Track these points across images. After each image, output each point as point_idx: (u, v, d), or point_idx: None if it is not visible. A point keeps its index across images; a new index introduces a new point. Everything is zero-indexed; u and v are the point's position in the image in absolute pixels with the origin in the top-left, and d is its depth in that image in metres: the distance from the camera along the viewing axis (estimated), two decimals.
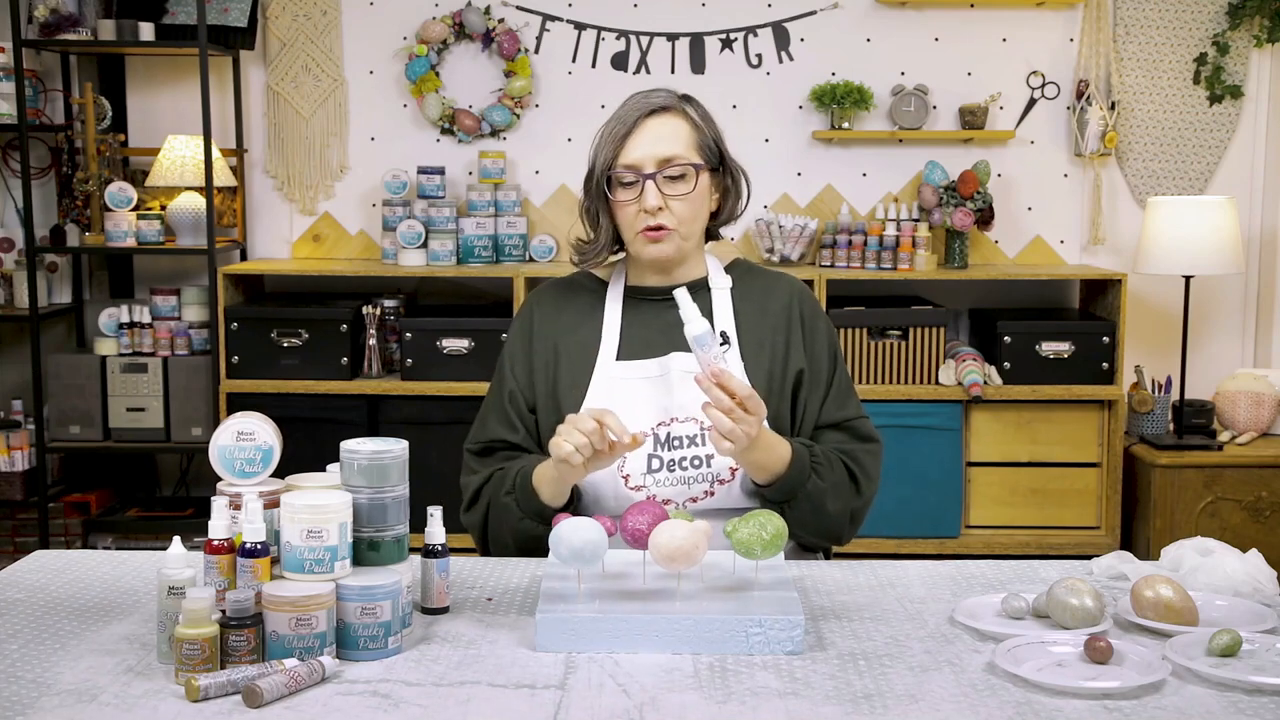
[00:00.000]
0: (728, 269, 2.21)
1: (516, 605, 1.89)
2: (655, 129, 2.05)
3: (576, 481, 2.01)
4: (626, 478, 2.07)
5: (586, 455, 1.89)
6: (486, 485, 2.14)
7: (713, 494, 2.08)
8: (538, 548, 2.06)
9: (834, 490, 2.09)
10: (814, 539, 2.16)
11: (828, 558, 2.27)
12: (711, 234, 2.22)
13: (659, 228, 2.04)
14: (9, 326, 4.51)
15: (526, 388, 2.17)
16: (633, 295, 2.17)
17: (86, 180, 4.29)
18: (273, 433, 1.78)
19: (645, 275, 2.17)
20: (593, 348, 2.14)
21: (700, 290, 2.15)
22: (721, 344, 2.10)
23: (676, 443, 2.07)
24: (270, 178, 4.57)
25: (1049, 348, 4.16)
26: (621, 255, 2.21)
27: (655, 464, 2.07)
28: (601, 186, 2.07)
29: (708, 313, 2.14)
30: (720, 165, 2.13)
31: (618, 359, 2.12)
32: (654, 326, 2.13)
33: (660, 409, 2.08)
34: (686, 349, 2.08)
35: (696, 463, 2.07)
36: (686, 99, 2.12)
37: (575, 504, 2.14)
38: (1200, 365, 4.51)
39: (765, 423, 1.98)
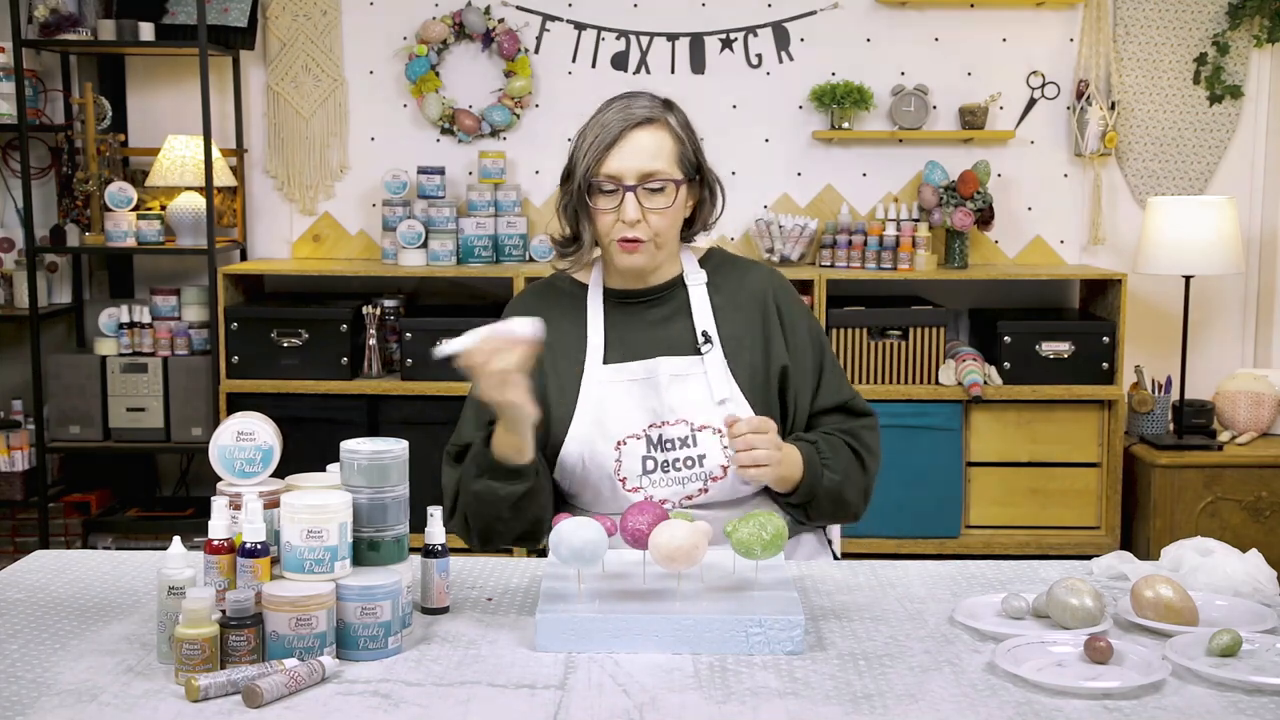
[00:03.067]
0: (703, 261, 2.22)
1: (516, 605, 1.89)
2: (639, 142, 2.06)
3: (520, 419, 1.95)
4: (624, 480, 2.09)
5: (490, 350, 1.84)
6: (459, 488, 2.13)
7: (707, 491, 2.10)
8: (531, 532, 2.08)
9: (846, 478, 2.12)
10: (836, 523, 2.23)
11: (836, 558, 2.28)
12: (687, 240, 2.22)
13: (635, 239, 2.06)
14: (9, 326, 4.51)
15: None
16: (612, 297, 2.18)
17: (86, 180, 4.29)
18: (273, 433, 1.78)
19: (622, 277, 2.18)
20: (578, 352, 2.14)
21: (677, 288, 2.17)
22: (704, 343, 2.12)
23: (669, 445, 2.09)
24: (270, 178, 4.57)
25: (1049, 348, 4.16)
26: (598, 255, 2.21)
27: (650, 465, 2.09)
28: (582, 193, 2.08)
29: (686, 310, 2.15)
30: (697, 175, 2.14)
31: (604, 363, 2.13)
32: (636, 328, 2.15)
33: (650, 411, 2.10)
34: (669, 353, 2.12)
35: (689, 463, 2.09)
36: (669, 106, 2.13)
37: (573, 505, 2.15)
38: (1200, 365, 4.51)
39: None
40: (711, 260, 2.22)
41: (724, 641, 1.70)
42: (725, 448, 2.02)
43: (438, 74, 4.47)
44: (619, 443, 2.09)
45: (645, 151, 2.06)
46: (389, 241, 4.34)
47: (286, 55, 4.50)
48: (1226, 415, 4.33)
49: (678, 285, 2.17)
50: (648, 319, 2.14)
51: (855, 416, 2.19)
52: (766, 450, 1.96)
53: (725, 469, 2.09)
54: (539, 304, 2.20)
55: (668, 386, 2.10)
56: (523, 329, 1.86)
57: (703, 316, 2.14)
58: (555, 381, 2.13)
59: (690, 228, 2.19)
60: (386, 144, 4.53)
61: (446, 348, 1.84)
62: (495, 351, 1.86)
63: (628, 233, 2.06)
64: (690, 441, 2.09)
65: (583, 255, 2.14)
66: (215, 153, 4.21)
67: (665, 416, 2.09)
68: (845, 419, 2.18)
